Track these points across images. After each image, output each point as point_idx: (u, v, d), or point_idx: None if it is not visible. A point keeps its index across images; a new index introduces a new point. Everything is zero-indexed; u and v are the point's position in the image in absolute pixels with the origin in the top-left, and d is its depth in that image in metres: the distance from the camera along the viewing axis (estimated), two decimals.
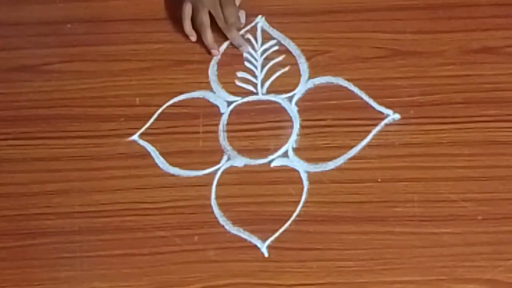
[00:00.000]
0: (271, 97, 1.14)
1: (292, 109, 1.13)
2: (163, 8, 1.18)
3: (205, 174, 1.11)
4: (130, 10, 1.22)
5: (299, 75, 1.15)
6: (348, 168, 1.10)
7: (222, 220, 1.09)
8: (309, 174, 1.10)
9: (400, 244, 1.07)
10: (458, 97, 1.12)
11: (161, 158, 1.12)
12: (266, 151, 1.12)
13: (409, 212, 1.08)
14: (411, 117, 1.12)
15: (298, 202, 1.09)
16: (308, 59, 1.16)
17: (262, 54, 1.16)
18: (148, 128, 1.14)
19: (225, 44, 1.17)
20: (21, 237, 1.10)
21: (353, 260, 1.06)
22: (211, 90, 1.15)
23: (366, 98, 1.13)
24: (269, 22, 1.18)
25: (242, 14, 1.18)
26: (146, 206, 1.10)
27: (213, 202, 1.10)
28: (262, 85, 1.15)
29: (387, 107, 1.12)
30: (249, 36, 1.17)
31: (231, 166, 1.11)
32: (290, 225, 1.08)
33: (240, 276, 1.07)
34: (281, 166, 1.11)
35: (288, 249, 1.07)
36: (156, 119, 1.14)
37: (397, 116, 1.12)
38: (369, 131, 1.11)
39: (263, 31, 1.17)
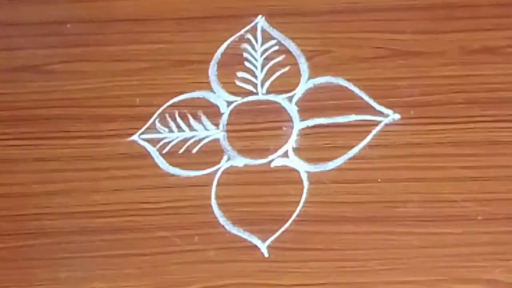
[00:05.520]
0: (271, 97, 1.14)
1: (292, 109, 1.13)
2: (163, 8, 1.18)
3: (205, 174, 1.11)
4: (130, 10, 1.22)
5: (299, 75, 1.15)
6: (348, 168, 1.10)
7: (222, 220, 1.09)
8: (309, 174, 1.10)
9: (401, 244, 1.07)
10: (459, 97, 1.12)
11: (161, 158, 1.12)
12: (266, 151, 1.12)
13: (410, 212, 1.08)
14: (411, 117, 1.12)
15: (298, 202, 1.09)
16: (308, 59, 1.15)
17: (262, 54, 1.16)
18: (148, 128, 1.13)
19: (225, 44, 1.17)
20: (21, 237, 1.10)
21: (353, 260, 1.06)
22: (211, 90, 1.15)
23: (366, 98, 1.13)
24: (269, 22, 1.17)
25: None
26: (146, 206, 1.10)
27: (213, 202, 1.10)
28: (262, 85, 1.15)
29: (387, 107, 1.12)
30: (249, 36, 1.17)
31: (231, 166, 1.11)
32: (290, 225, 1.08)
33: (240, 276, 1.07)
34: (281, 166, 1.11)
35: (288, 249, 1.07)
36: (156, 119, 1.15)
37: (397, 116, 1.12)
38: (369, 131, 1.11)
39: (263, 31, 1.17)
